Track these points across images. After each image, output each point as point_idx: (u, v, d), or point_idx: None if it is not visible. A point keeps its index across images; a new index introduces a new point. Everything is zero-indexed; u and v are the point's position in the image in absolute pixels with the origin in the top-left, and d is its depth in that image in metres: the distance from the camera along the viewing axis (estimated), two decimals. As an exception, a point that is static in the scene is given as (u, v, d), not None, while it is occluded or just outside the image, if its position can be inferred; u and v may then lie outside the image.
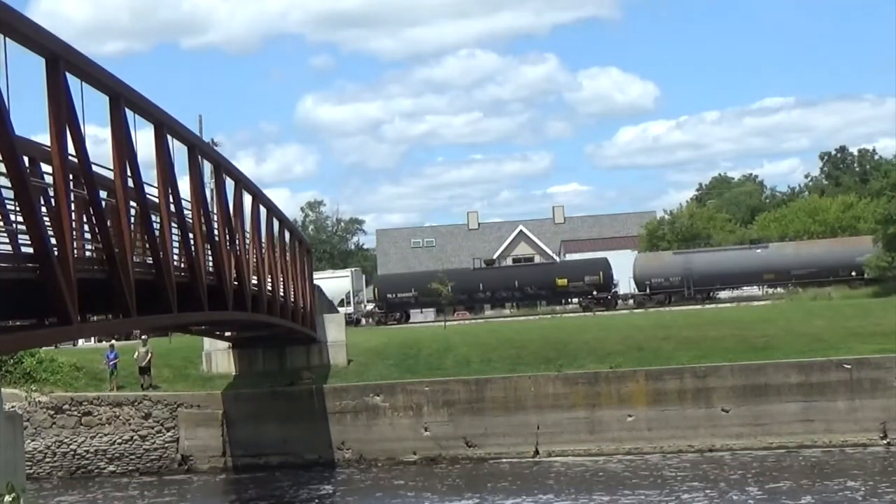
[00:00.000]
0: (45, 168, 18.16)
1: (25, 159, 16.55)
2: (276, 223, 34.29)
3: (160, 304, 21.18)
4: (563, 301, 67.69)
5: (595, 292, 64.86)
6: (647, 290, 64.43)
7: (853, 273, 61.24)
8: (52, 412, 38.35)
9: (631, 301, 66.21)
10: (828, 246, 65.74)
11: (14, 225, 16.66)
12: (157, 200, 21.70)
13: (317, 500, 32.93)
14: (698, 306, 57.64)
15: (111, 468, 37.91)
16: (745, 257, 64.98)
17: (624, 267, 66.96)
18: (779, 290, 64.82)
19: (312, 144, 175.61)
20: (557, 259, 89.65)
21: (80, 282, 17.14)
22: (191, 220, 23.79)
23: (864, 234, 65.23)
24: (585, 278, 65.61)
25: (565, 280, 65.25)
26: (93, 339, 46.23)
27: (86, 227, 19.57)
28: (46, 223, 16.29)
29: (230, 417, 38.22)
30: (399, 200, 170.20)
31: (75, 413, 38.43)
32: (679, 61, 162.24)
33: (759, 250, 65.95)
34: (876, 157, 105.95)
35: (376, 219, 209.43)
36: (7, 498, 9.20)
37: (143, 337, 41.76)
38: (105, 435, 38.23)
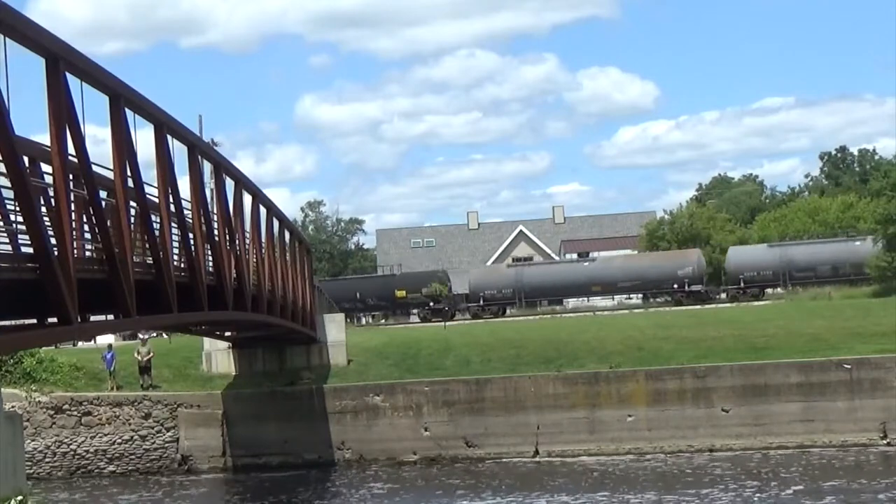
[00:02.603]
0: (45, 168, 18.15)
1: (25, 159, 16.55)
2: (276, 223, 34.26)
3: (160, 304, 21.16)
4: (403, 312, 68.72)
5: (432, 304, 66.18)
6: (481, 302, 65.92)
7: (675, 285, 63.81)
8: (52, 412, 38.34)
9: (467, 312, 68.21)
10: (652, 260, 68.74)
11: (14, 225, 16.65)
12: (157, 200, 21.69)
13: (317, 500, 32.94)
14: (536, 317, 59.93)
15: (111, 468, 37.91)
16: (574, 270, 67.48)
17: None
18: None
19: (312, 144, 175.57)
20: (558, 257, 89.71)
21: (80, 282, 17.13)
22: (191, 220, 23.78)
23: (863, 233, 65.38)
24: (423, 290, 66.87)
25: (404, 292, 66.14)
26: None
27: (86, 227, 19.55)
28: (46, 223, 16.29)
29: (230, 417, 38.21)
30: (399, 200, 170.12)
31: (75, 413, 38.43)
32: (679, 61, 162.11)
33: (586, 263, 68.90)
34: (876, 157, 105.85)
35: (376, 219, 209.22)
36: (13, 501, 9.26)
37: (142, 337, 41.76)
38: (105, 435, 38.22)
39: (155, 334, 46.17)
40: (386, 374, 39.81)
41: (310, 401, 38.34)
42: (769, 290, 65.18)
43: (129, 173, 19.38)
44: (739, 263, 64.88)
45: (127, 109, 19.15)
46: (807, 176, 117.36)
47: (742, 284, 63.83)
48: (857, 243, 63.61)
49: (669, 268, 64.61)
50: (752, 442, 35.79)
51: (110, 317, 20.62)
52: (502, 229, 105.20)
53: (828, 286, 59.90)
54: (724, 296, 65.15)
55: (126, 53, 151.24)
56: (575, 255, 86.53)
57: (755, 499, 29.24)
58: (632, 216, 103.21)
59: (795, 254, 63.96)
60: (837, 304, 49.14)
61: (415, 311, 68.28)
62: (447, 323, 56.63)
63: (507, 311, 65.87)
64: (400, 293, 65.38)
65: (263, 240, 31.64)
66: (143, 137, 21.00)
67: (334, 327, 41.96)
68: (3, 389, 32.73)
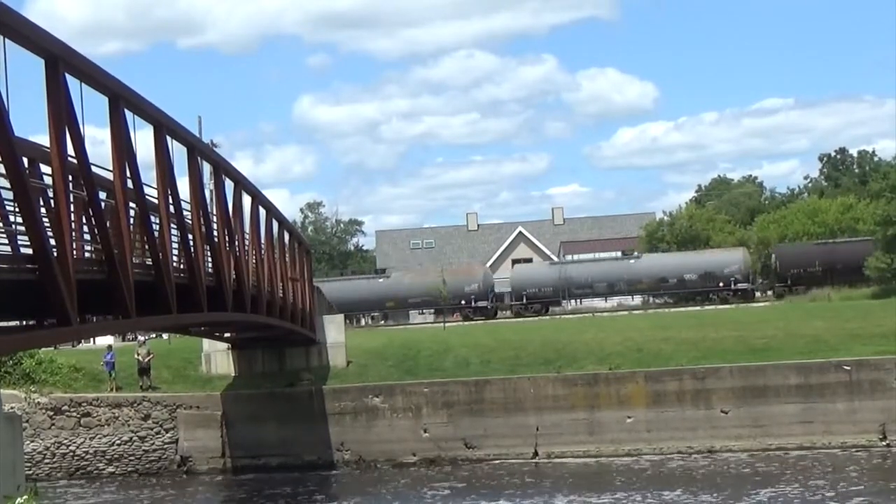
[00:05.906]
0: (45, 169, 18.15)
1: (25, 160, 16.54)
2: (275, 224, 34.28)
3: (160, 305, 21.17)
4: None
5: None
6: None
7: (463, 302, 66.94)
8: (51, 413, 38.33)
9: None
10: (441, 276, 71.05)
11: (13, 226, 16.65)
12: (156, 201, 21.69)
13: (316, 501, 32.92)
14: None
15: (110, 469, 37.88)
16: (369, 287, 69.86)
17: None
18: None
19: (310, 145, 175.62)
20: (557, 259, 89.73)
21: (80, 283, 17.13)
22: (190, 221, 23.79)
23: (863, 234, 65.47)
24: None
25: None
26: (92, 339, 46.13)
27: (85, 228, 19.56)
28: (46, 224, 16.29)
29: (229, 418, 38.19)
30: (398, 201, 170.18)
31: (74, 414, 38.41)
32: (678, 62, 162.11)
33: (381, 280, 72.15)
34: (875, 158, 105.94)
35: (375, 220, 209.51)
36: (19, 499, 9.26)
37: (141, 338, 41.77)
38: (104, 436, 38.20)
39: (154, 335, 46.17)
40: (385, 375, 39.79)
41: (309, 402, 38.31)
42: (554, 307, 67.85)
43: (128, 174, 19.39)
44: (522, 281, 67.26)
45: (126, 110, 19.16)
46: (806, 177, 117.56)
47: (525, 301, 66.32)
48: (632, 261, 67.87)
49: (457, 284, 66.66)
50: (752, 443, 35.78)
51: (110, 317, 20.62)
52: (502, 230, 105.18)
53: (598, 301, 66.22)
54: (508, 312, 67.82)
55: (124, 54, 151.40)
56: (574, 257, 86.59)
57: (756, 499, 29.24)
58: (631, 217, 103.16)
59: (573, 271, 67.12)
60: (837, 306, 49.13)
61: None
62: (446, 323, 56.68)
63: None
64: None
65: (263, 241, 31.66)
66: (143, 138, 21.05)
67: (334, 328, 41.92)
68: (2, 390, 32.77)
